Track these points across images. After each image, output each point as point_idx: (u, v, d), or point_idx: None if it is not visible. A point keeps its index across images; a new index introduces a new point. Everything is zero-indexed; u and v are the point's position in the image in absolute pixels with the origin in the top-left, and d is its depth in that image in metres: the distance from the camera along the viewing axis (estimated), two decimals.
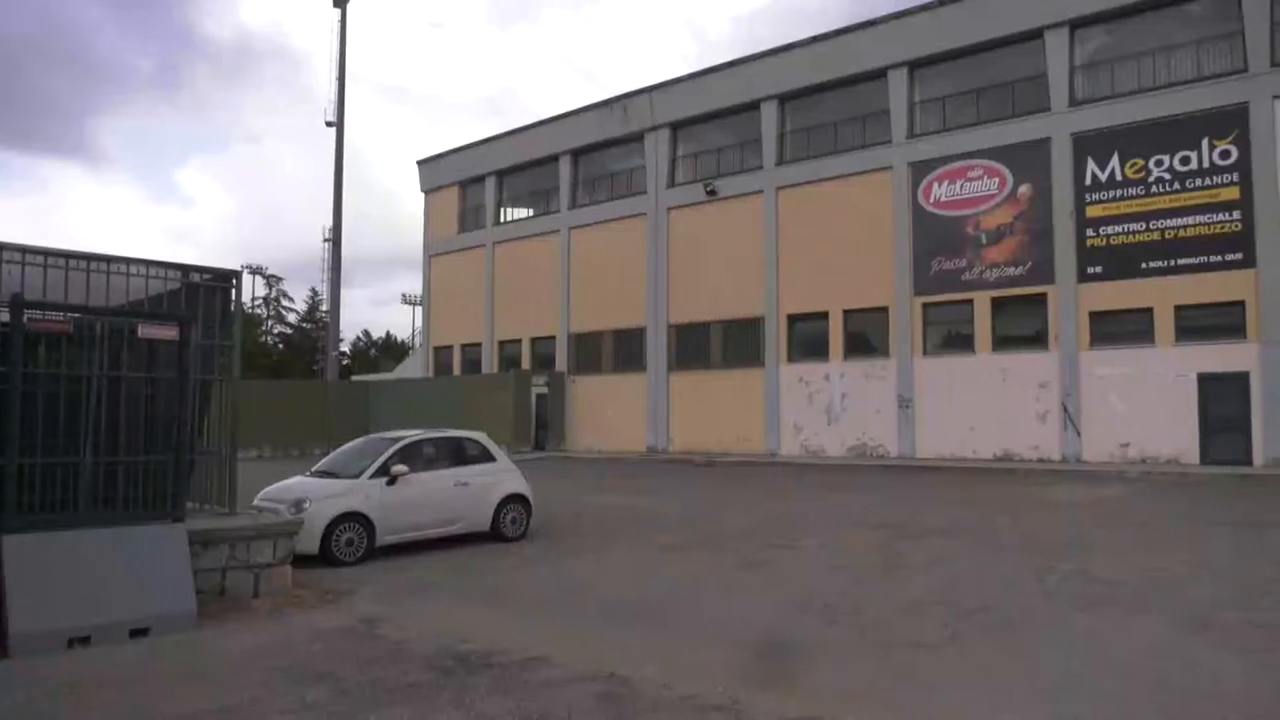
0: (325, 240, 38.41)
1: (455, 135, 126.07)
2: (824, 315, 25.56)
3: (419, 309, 42.63)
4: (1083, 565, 8.86)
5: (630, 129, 30.09)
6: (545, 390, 30.98)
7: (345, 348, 68.23)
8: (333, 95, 37.27)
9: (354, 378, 47.80)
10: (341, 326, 54.48)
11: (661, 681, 5.40)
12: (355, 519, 9.88)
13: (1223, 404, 19.52)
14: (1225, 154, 19.89)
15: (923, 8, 24.04)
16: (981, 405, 22.52)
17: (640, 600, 7.95)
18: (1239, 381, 19.41)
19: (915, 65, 24.29)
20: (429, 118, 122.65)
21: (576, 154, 32.16)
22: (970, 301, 23.07)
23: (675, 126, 29.28)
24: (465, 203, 36.21)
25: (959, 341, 23.41)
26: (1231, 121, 19.83)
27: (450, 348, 36.32)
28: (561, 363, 31.79)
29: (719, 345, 27.84)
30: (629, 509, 14.70)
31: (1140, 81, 21.27)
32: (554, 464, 25.98)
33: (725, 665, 5.77)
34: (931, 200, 23.76)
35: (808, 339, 26.02)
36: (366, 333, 78.62)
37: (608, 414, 30.13)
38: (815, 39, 26.02)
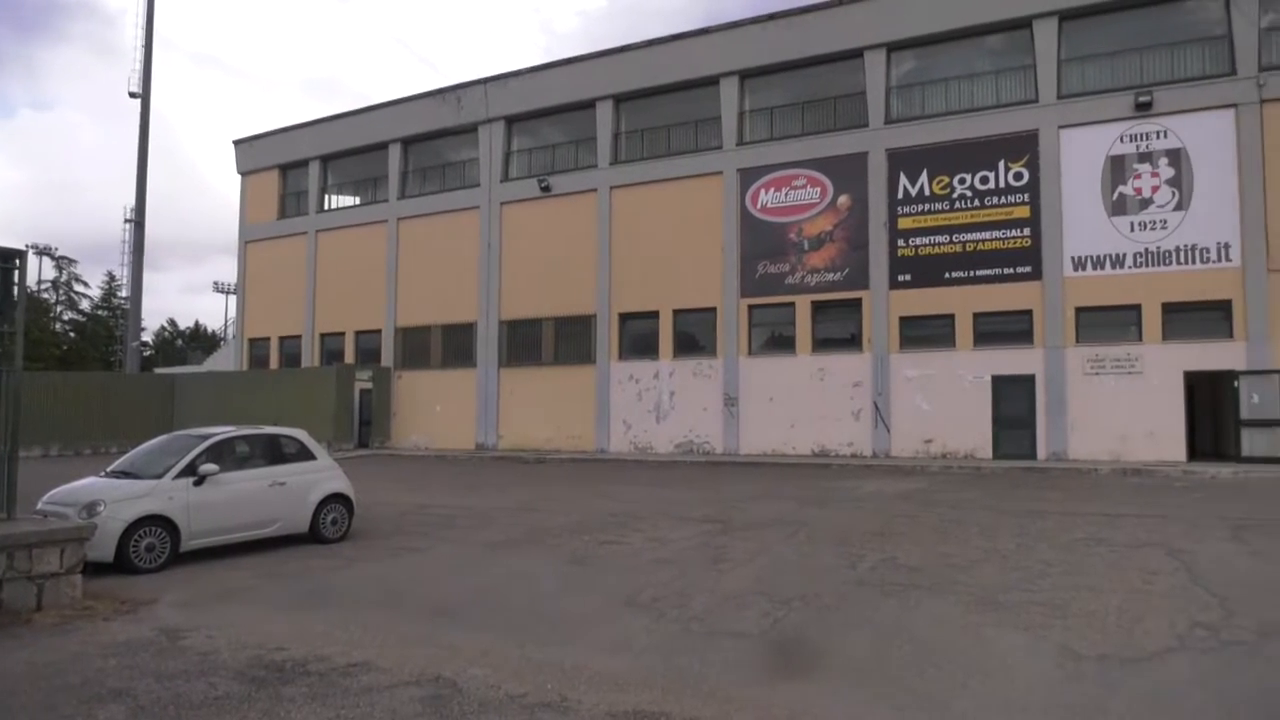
0: (127, 221, 35.34)
1: (277, 115, 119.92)
2: (654, 314, 25.99)
3: (233, 298, 40.15)
4: (890, 554, 9.37)
5: (464, 120, 29.55)
6: (370, 386, 29.87)
7: (148, 338, 63.54)
8: (139, 62, 34.40)
9: (158, 370, 44.31)
10: (144, 315, 50.67)
11: (490, 682, 5.28)
12: (157, 522, 9.06)
13: (1012, 403, 21.33)
14: (1019, 175, 21.74)
15: (754, 20, 24.99)
16: (801, 403, 23.57)
17: (468, 600, 7.73)
18: (1026, 383, 21.26)
19: (746, 75, 25.18)
20: (249, 94, 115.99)
21: (407, 142, 31.26)
22: (792, 304, 24.08)
23: (510, 120, 29.00)
24: (286, 187, 34.41)
25: (781, 342, 24.38)
26: (1024, 146, 21.70)
27: (267, 340, 34.36)
28: (388, 357, 30.75)
29: (550, 342, 27.76)
30: (456, 507, 14.35)
31: (948, 104, 22.93)
32: (379, 462, 25.08)
33: (555, 663, 5.69)
34: (758, 206, 24.65)
35: (638, 337, 26.39)
36: (173, 322, 73.60)
37: (436, 410, 29.40)
38: (652, 42, 26.49)
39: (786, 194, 24.29)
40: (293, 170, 34.16)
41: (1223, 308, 19.77)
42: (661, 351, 25.78)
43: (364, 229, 31.75)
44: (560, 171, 28.05)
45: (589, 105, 27.41)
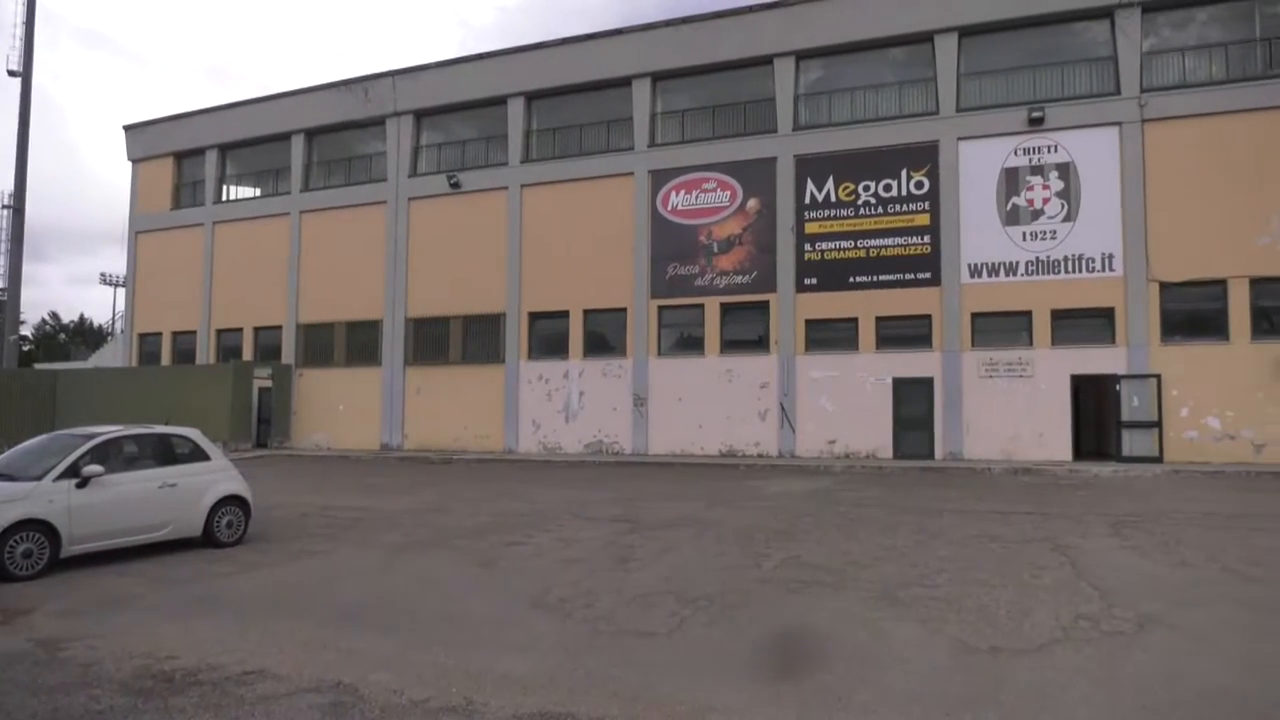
0: (5, 207, 33.31)
1: (175, 101, 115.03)
2: (565, 314, 25.88)
3: (122, 291, 38.28)
4: (794, 552, 9.54)
5: (372, 113, 28.88)
6: (269, 384, 28.91)
7: (27, 331, 60.04)
8: (19, 39, 32.46)
9: (38, 366, 41.90)
10: (24, 307, 47.87)
11: (393, 687, 5.16)
12: (35, 527, 8.53)
13: (912, 405, 22.01)
14: (920, 184, 22.45)
15: (667, 23, 25.16)
16: (709, 404, 23.82)
17: (370, 603, 7.52)
18: (925, 385, 21.96)
19: (658, 77, 25.32)
20: (143, 78, 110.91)
21: (312, 133, 30.35)
22: (702, 306, 24.32)
23: (420, 114, 28.47)
24: (181, 177, 33.01)
25: (690, 343, 24.60)
26: (925, 156, 22.42)
27: (159, 335, 32.87)
28: (289, 355, 29.80)
29: (458, 341, 27.35)
30: (359, 509, 14.00)
31: (853, 113, 23.51)
32: (278, 462, 24.29)
33: (460, 666, 5.60)
34: (669, 208, 24.81)
35: (548, 337, 26.23)
36: (55, 315, 69.73)
37: (339, 409, 28.64)
38: (564, 41, 26.38)
39: (697, 196, 24.52)
40: (189, 159, 32.79)
41: (1106, 315, 20.81)
42: (571, 351, 25.70)
43: (265, 222, 30.69)
44: (470, 168, 27.67)
45: (500, 102, 27.14)
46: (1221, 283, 20.05)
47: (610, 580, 8.23)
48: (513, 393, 26.20)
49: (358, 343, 28.91)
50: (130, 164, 33.94)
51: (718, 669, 5.60)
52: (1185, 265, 20.24)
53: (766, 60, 24.06)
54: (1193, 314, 20.34)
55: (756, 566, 8.80)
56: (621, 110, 25.74)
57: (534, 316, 26.38)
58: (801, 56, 23.86)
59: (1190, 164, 20.33)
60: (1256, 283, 19.85)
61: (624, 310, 25.15)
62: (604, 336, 25.68)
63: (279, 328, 30.16)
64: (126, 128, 33.72)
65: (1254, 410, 19.57)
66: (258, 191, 32.08)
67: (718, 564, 8.99)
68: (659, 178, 24.99)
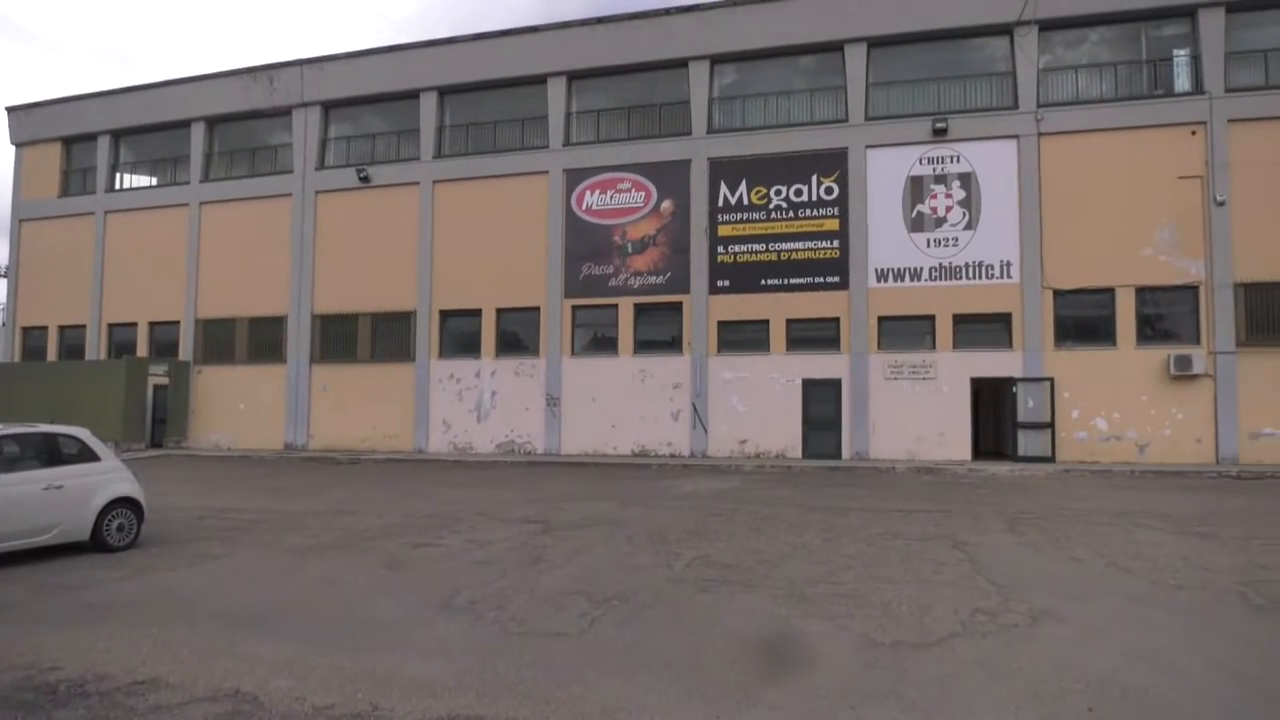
0: None
1: (65, 83, 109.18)
2: (477, 313, 25.57)
3: (3, 282, 36.19)
4: (705, 551, 9.63)
5: (277, 103, 27.98)
6: (165, 381, 27.73)
7: None
8: None
9: None
10: None
11: (295, 694, 5.01)
12: None
13: (820, 406, 22.48)
14: (830, 190, 22.94)
15: (583, 23, 25.10)
16: (623, 404, 23.87)
17: (271, 608, 7.27)
18: (833, 387, 22.46)
19: (574, 76, 25.25)
20: (28, 56, 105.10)
21: (213, 121, 29.23)
22: (615, 306, 24.34)
23: (328, 106, 27.73)
24: (70, 163, 31.39)
25: (604, 343, 24.59)
26: (835, 162, 22.92)
27: (44, 329, 31.15)
28: (187, 351, 28.64)
29: (367, 338, 26.73)
30: (262, 510, 13.55)
31: (766, 118, 23.89)
32: (175, 463, 23.34)
33: (366, 670, 5.47)
34: (583, 208, 24.76)
35: (460, 335, 25.88)
36: None
37: (240, 408, 27.67)
38: (479, 36, 26.06)
39: (612, 197, 24.54)
40: (79, 144, 31.20)
41: (1004, 320, 21.64)
42: (484, 350, 25.41)
43: (162, 212, 29.41)
44: (381, 162, 27.08)
45: (413, 96, 26.65)
46: (1110, 291, 21.07)
47: (522, 581, 8.16)
48: (423, 392, 25.75)
49: (261, 339, 27.97)
50: (13, 148, 32.12)
51: (629, 669, 5.60)
52: (1077, 274, 21.21)
53: (682, 63, 24.25)
54: (1083, 320, 21.33)
55: (668, 566, 8.85)
56: (537, 108, 25.57)
57: (445, 315, 25.97)
58: (716, 61, 24.13)
59: (1082, 177, 21.31)
60: (1141, 291, 20.93)
61: (537, 309, 25.00)
62: (517, 335, 25.46)
63: (176, 323, 28.96)
64: (9, 109, 31.86)
65: (1138, 412, 20.64)
66: (154, 181, 30.73)
67: (629, 564, 9.01)
68: (574, 177, 24.91)
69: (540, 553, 9.65)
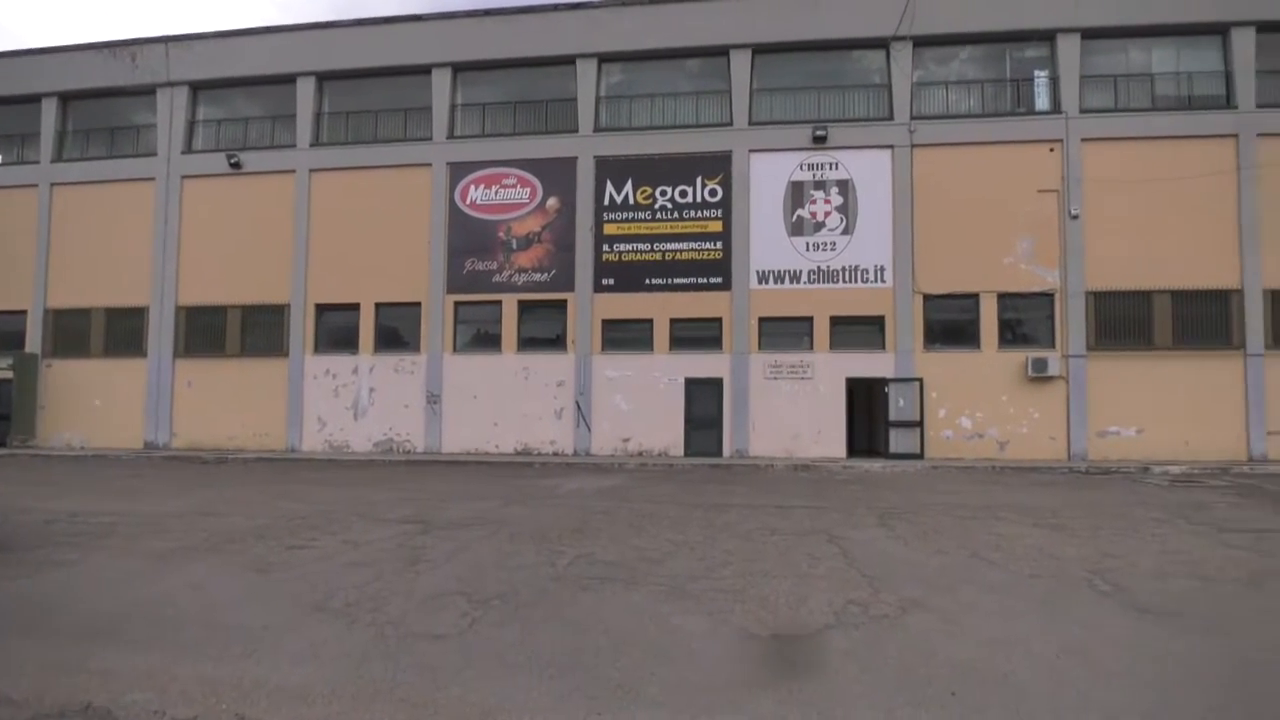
0: None
1: None
2: (355, 307, 24.81)
3: None
4: (588, 549, 9.59)
5: (141, 80, 26.42)
6: (10, 375, 25.78)
7: None
8: None
9: None
10: None
11: (153, 707, 4.69)
12: None
13: (702, 404, 22.82)
14: (714, 192, 23.30)
15: (469, 14, 24.69)
16: (505, 402, 23.62)
17: (128, 616, 6.78)
18: (715, 386, 22.83)
19: (460, 68, 24.81)
20: None
21: (67, 97, 27.34)
22: (499, 303, 24.06)
23: (196, 86, 26.36)
24: None
25: (487, 340, 24.26)
26: (719, 165, 23.30)
27: None
28: (34, 343, 26.68)
29: (236, 332, 25.54)
30: (119, 513, 12.73)
31: (652, 119, 24.05)
32: (21, 463, 21.73)
33: (231, 679, 5.18)
34: (468, 202, 24.37)
35: (337, 330, 25.05)
36: None
37: (95, 404, 26.00)
38: (360, 22, 25.30)
39: (497, 192, 24.24)
40: None
41: (878, 323, 22.47)
42: (362, 346, 24.68)
43: (7, 193, 27.31)
44: (254, 148, 25.93)
45: (289, 80, 25.63)
46: (975, 296, 22.17)
47: (399, 583, 7.94)
48: (297, 388, 24.81)
49: (119, 331, 26.34)
50: None
51: (510, 669, 5.52)
52: (945, 279, 22.22)
53: (569, 60, 24.18)
54: (950, 324, 22.37)
55: (550, 565, 8.77)
56: (420, 99, 25.01)
57: (321, 308, 25.09)
58: (604, 59, 24.16)
59: (951, 187, 22.34)
60: (1003, 297, 22.11)
61: (418, 305, 24.45)
62: (397, 331, 24.83)
63: (23, 312, 26.96)
64: None
65: (998, 411, 21.79)
66: None
67: (511, 563, 8.89)
68: (458, 170, 24.49)
69: (419, 553, 9.41)
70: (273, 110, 26.18)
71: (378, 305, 24.70)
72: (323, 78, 25.60)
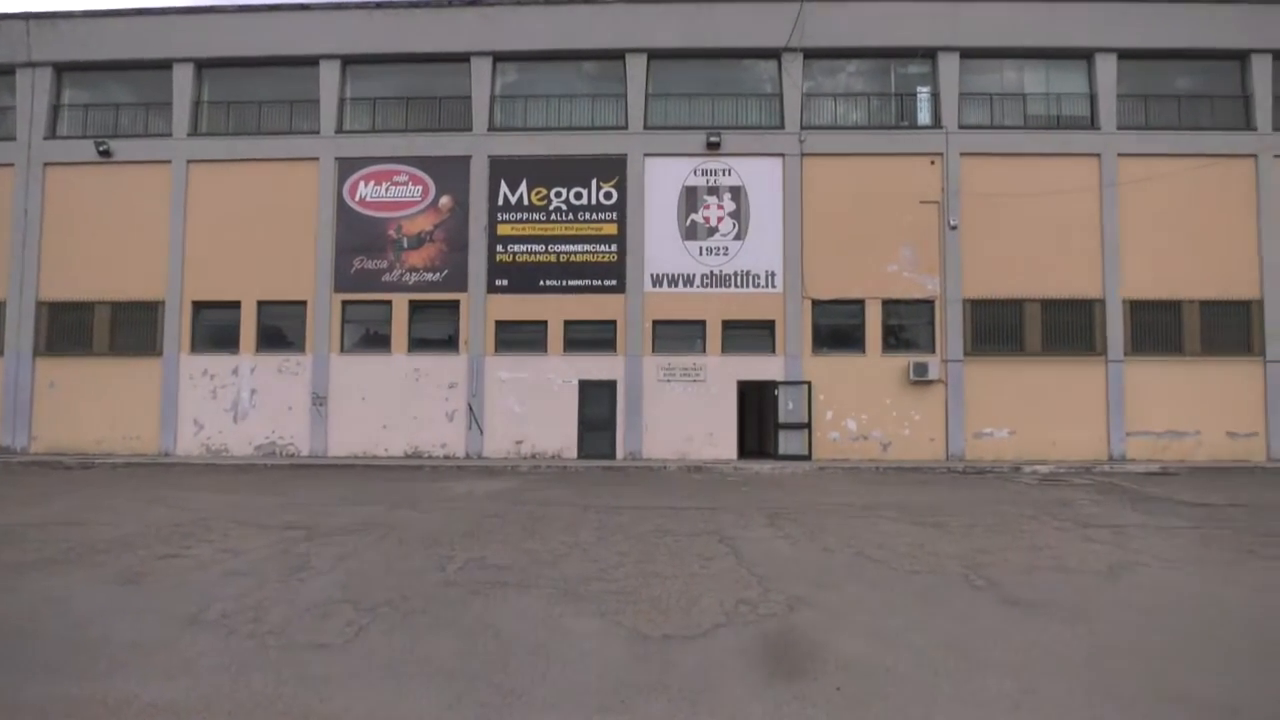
0: None
1: None
2: (235, 305, 23.79)
3: None
4: (480, 553, 9.46)
5: None
6: None
7: None
8: None
9: None
10: None
11: None
12: None
13: (596, 406, 22.83)
14: (609, 195, 23.35)
15: (359, 5, 24.03)
16: (395, 404, 23.08)
17: None
18: (609, 388, 22.88)
19: (349, 61, 24.14)
20: None
21: None
22: (389, 302, 23.50)
23: (61, 68, 24.80)
24: None
25: (376, 341, 23.66)
26: (615, 168, 23.37)
27: None
28: None
29: (105, 329, 24.12)
30: None
31: (548, 120, 23.94)
32: None
33: (97, 697, 4.89)
34: (357, 199, 23.73)
35: (216, 329, 23.96)
36: None
37: None
38: (243, 8, 24.29)
39: (387, 189, 23.68)
40: None
41: (768, 327, 22.95)
42: (243, 345, 23.69)
43: None
44: (126, 136, 24.56)
45: (165, 66, 24.40)
46: (860, 302, 22.90)
47: (281, 592, 7.65)
48: (171, 389, 23.63)
49: None
50: None
51: (398, 676, 5.39)
52: (832, 285, 22.87)
53: (464, 57, 23.84)
54: (837, 329, 23.03)
55: (441, 569, 8.61)
56: (308, 91, 24.21)
57: (200, 306, 23.97)
58: (499, 58, 23.92)
59: (839, 196, 23.02)
60: (887, 304, 22.91)
61: (304, 304, 23.65)
62: (281, 331, 23.94)
63: None
64: None
65: (882, 414, 22.56)
66: None
67: (400, 569, 8.69)
68: (346, 166, 23.81)
69: (303, 560, 9.09)
70: (147, 97, 24.86)
71: (260, 303, 23.76)
72: (202, 64, 24.48)
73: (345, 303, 23.62)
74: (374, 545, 10.03)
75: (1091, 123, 23.35)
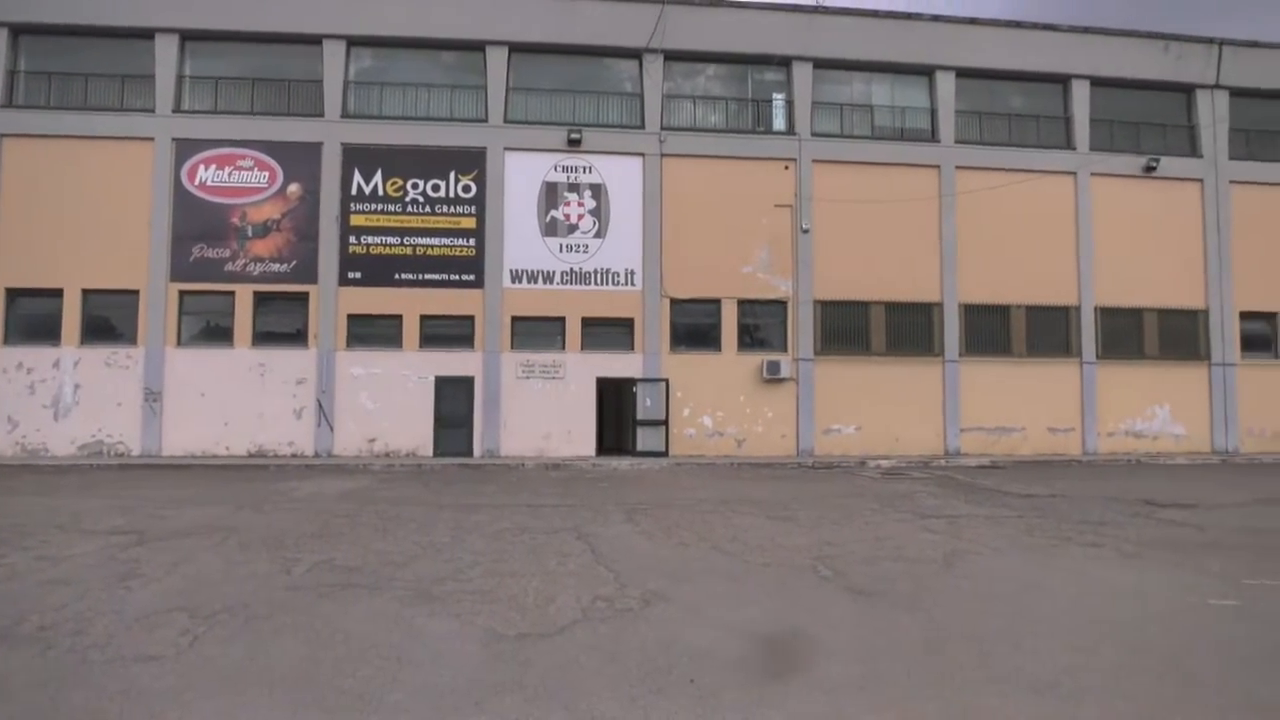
0: None
1: None
2: (58, 293, 21.97)
3: None
4: (328, 555, 9.11)
5: None
6: None
7: None
8: None
9: None
10: None
11: None
12: None
13: (453, 404, 22.39)
14: (468, 188, 22.94)
15: None
16: (238, 400, 21.91)
17: None
18: (466, 385, 22.49)
19: (188, 36, 22.72)
20: None
21: None
22: (232, 293, 22.28)
23: None
24: None
25: (217, 333, 22.38)
26: (473, 161, 22.97)
27: None
28: None
29: None
30: None
31: (405, 109, 23.28)
32: None
33: None
34: (196, 183, 22.38)
35: (35, 319, 22.05)
36: None
37: None
38: None
39: (230, 174, 22.44)
40: None
41: (627, 324, 23.12)
42: (65, 337, 21.91)
43: None
44: None
45: None
46: (717, 302, 23.40)
47: (107, 601, 7.12)
48: None
49: None
50: None
51: (237, 686, 5.10)
52: (691, 285, 23.27)
53: (316, 40, 22.86)
54: (695, 327, 23.45)
55: (286, 573, 8.23)
56: (142, 66, 22.62)
57: (15, 294, 22.01)
58: (354, 42, 23.08)
59: (697, 197, 23.44)
60: (742, 304, 23.51)
61: (136, 293, 22.11)
62: (109, 321, 22.29)
63: None
64: None
65: (737, 411, 23.14)
66: None
67: (241, 573, 8.24)
68: (185, 148, 22.40)
69: (132, 567, 8.49)
70: None
71: (86, 292, 22.05)
72: (17, 30, 22.49)
73: (183, 293, 22.24)
74: (212, 549, 9.49)
75: (933, 136, 24.69)
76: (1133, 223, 25.14)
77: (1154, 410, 24.95)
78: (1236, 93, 25.95)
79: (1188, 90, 25.93)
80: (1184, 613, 6.91)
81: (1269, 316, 25.79)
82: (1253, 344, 25.68)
